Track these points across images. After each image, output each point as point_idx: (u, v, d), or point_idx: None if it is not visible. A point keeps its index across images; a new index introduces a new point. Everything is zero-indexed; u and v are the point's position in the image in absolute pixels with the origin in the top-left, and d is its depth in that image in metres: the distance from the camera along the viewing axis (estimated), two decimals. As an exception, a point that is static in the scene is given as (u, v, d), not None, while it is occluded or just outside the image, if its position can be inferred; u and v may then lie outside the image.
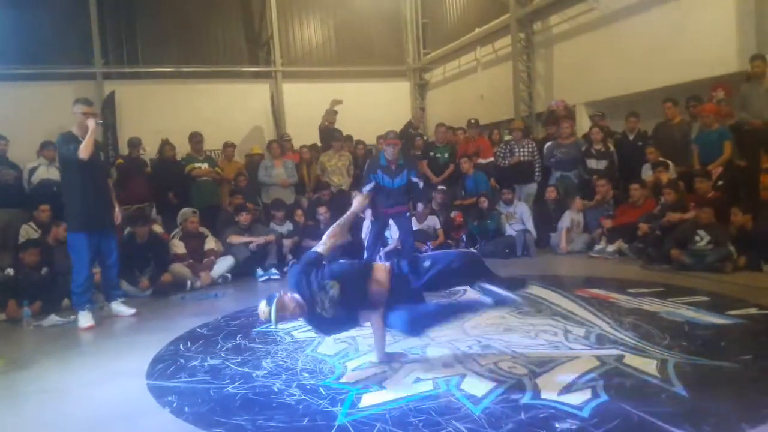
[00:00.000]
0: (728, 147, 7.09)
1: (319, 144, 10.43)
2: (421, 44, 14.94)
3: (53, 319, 5.70)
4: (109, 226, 5.79)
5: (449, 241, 8.38)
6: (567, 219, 8.03)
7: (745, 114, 7.08)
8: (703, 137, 7.31)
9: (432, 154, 9.42)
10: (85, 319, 5.47)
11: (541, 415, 2.88)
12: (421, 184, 7.29)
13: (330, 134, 9.86)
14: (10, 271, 6.26)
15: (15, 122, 9.80)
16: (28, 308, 5.74)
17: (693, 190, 7.01)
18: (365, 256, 7.16)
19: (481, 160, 9.35)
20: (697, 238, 6.33)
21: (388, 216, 7.10)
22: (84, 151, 5.35)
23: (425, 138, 10.76)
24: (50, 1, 11.91)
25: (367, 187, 7.14)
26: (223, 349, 4.41)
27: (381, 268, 3.77)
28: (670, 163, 7.62)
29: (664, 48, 8.27)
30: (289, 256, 7.86)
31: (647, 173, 7.84)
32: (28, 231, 7.12)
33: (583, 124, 9.57)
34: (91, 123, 5.44)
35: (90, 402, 3.56)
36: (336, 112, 10.44)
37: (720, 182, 6.99)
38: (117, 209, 5.97)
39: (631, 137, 8.29)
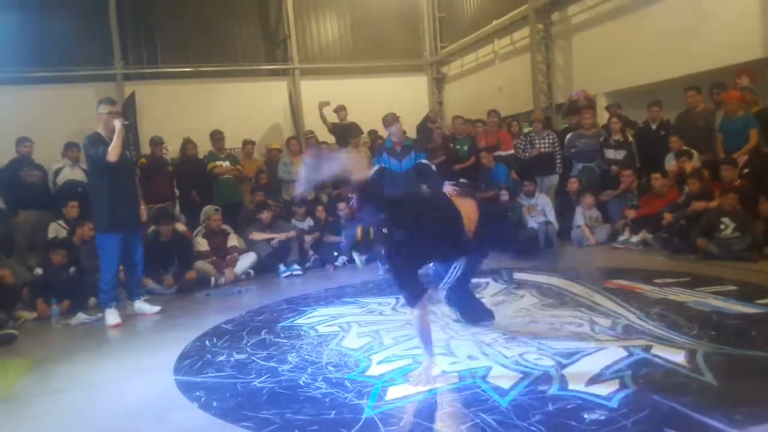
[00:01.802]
0: (754, 134, 6.95)
1: (332, 143, 10.42)
2: (438, 38, 14.86)
3: (81, 317, 5.80)
4: (135, 225, 5.87)
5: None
6: (579, 216, 7.96)
7: (771, 100, 6.96)
8: (728, 125, 7.18)
9: (452, 146, 9.38)
10: (112, 316, 5.55)
11: (569, 407, 2.86)
12: (434, 167, 7.03)
13: (346, 130, 9.85)
14: (39, 271, 6.38)
15: (38, 124, 9.93)
16: (56, 307, 5.84)
17: (718, 178, 6.89)
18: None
19: (502, 153, 9.29)
20: (722, 226, 6.24)
21: None
22: (113, 154, 5.42)
23: (444, 131, 10.70)
24: (70, 4, 12.04)
25: (371, 172, 7.03)
26: (249, 344, 4.45)
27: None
28: (694, 152, 7.51)
29: (686, 35, 8.14)
30: (311, 252, 7.90)
31: (671, 162, 7.74)
32: (57, 229, 7.24)
33: (604, 114, 9.46)
34: (117, 124, 5.50)
35: (120, 398, 3.61)
36: (344, 109, 10.40)
37: (746, 170, 6.87)
38: (142, 207, 6.05)
39: (654, 126, 8.17)
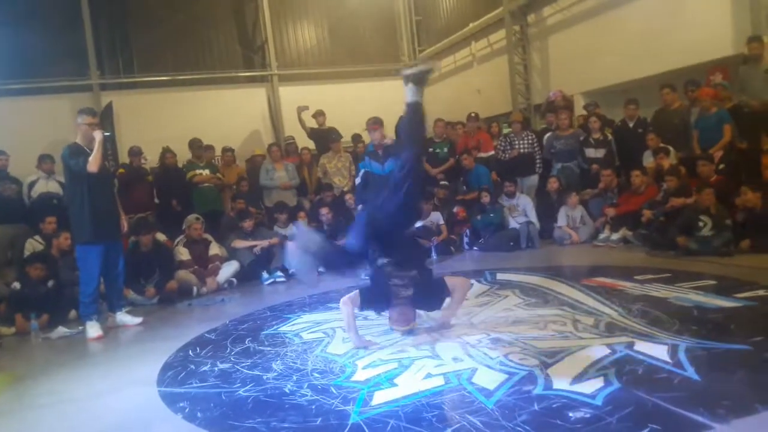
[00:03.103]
0: (728, 130, 7.07)
1: (313, 148, 10.40)
2: (416, 41, 14.94)
3: (61, 330, 5.71)
4: (116, 235, 5.81)
5: (453, 236, 8.37)
6: (563, 216, 8.02)
7: (744, 96, 7.06)
8: (703, 121, 7.29)
9: (431, 149, 9.40)
10: (93, 329, 5.47)
11: (554, 405, 2.86)
12: None
13: (325, 135, 9.83)
14: (17, 285, 6.27)
15: (13, 137, 9.80)
16: (35, 321, 5.75)
17: (695, 174, 6.99)
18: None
19: (482, 154, 9.34)
20: (701, 223, 6.31)
21: None
22: (93, 164, 5.37)
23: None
24: (44, 14, 11.91)
25: (358, 179, 7.05)
26: (233, 353, 4.41)
27: None
28: (671, 148, 7.61)
29: (660, 34, 8.27)
30: (294, 259, 7.85)
31: (648, 160, 7.83)
32: (33, 245, 7.13)
33: (582, 113, 9.55)
34: (98, 135, 5.45)
35: (103, 411, 3.56)
36: (323, 114, 10.39)
37: (721, 166, 6.98)
38: (123, 218, 5.99)
39: (631, 125, 8.27)
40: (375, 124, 6.96)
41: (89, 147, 5.47)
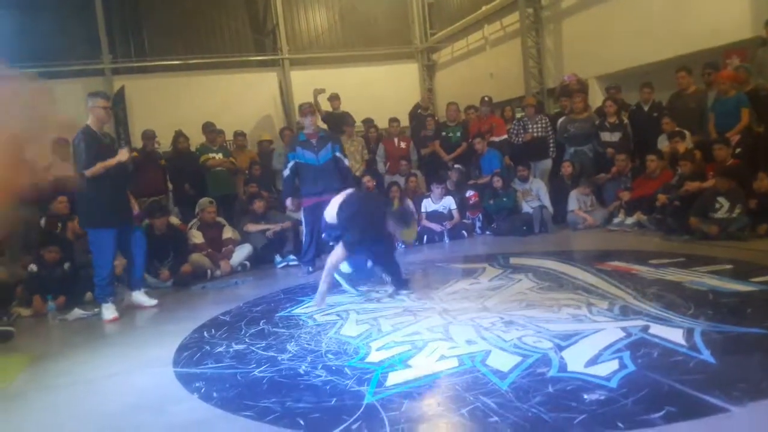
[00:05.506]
0: (746, 114, 6.96)
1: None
2: (428, 24, 14.83)
3: (77, 312, 5.77)
4: (128, 220, 5.82)
5: (465, 221, 8.35)
6: (573, 201, 7.98)
7: (761, 79, 6.96)
8: (720, 105, 7.19)
9: (444, 133, 9.37)
10: (108, 311, 5.52)
11: (568, 388, 2.86)
12: (346, 162, 6.64)
13: (340, 119, 9.80)
14: (33, 267, 6.34)
15: (27, 121, 9.85)
16: (52, 303, 5.82)
17: (711, 158, 6.91)
18: (304, 260, 6.80)
19: (495, 138, 9.29)
20: (717, 204, 6.26)
21: (320, 207, 5.86)
22: (91, 171, 5.30)
23: (436, 118, 10.70)
24: (56, -2, 11.96)
25: (286, 170, 6.62)
26: (247, 334, 4.44)
27: None
28: (686, 132, 7.52)
29: (676, 16, 8.15)
30: (307, 242, 7.87)
31: (663, 144, 7.75)
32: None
33: (596, 97, 9.47)
34: (123, 155, 5.44)
35: (120, 391, 3.60)
36: (338, 98, 10.35)
37: (738, 149, 6.89)
38: (133, 202, 6.00)
39: (646, 108, 8.18)
40: (308, 110, 6.64)
41: (101, 130, 5.46)
